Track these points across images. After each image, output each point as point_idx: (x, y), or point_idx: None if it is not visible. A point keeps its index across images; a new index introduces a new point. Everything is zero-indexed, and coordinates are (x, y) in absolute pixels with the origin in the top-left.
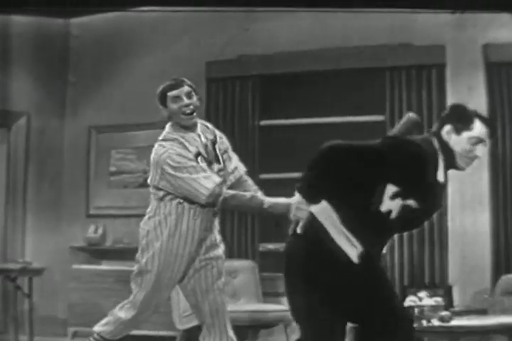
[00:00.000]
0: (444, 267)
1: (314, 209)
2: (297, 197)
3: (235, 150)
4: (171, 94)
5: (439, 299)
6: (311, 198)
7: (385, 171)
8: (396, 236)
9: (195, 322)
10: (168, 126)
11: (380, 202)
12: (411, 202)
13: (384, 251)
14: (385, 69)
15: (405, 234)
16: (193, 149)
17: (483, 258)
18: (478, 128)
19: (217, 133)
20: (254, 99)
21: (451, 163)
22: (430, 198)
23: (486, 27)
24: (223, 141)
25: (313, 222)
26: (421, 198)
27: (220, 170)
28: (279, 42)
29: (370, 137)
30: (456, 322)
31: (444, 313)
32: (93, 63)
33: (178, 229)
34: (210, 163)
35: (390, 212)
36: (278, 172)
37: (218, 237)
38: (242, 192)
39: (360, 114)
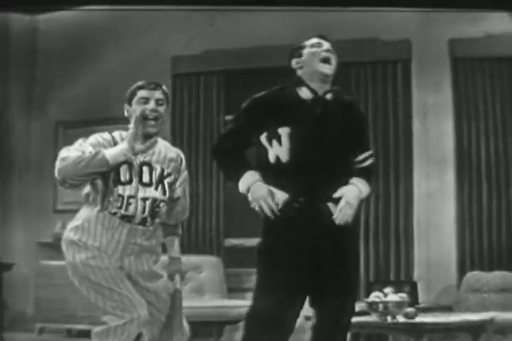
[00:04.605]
0: (410, 263)
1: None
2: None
3: (199, 145)
4: (140, 93)
5: (404, 295)
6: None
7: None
8: (362, 232)
9: None
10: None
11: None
12: (282, 132)
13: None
14: (350, 65)
15: (371, 229)
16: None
17: (448, 254)
18: (312, 40)
19: (182, 165)
20: (220, 94)
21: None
22: (296, 119)
23: (452, 22)
24: (182, 177)
25: None
26: (289, 122)
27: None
28: (245, 37)
29: None
30: (420, 318)
31: (409, 310)
32: (60, 59)
33: None
34: (130, 180)
35: (277, 158)
36: None
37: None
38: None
39: None
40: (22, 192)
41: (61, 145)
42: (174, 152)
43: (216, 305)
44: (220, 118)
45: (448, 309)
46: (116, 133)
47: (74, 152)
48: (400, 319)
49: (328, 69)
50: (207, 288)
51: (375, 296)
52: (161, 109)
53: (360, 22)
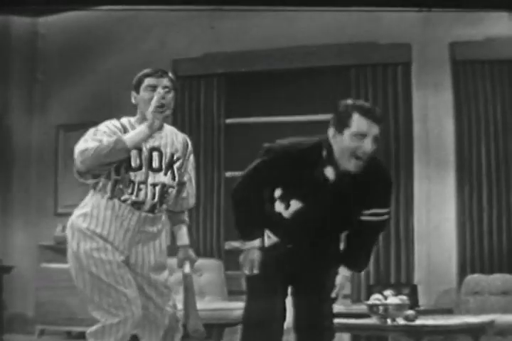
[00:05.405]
0: (410, 266)
1: None
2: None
3: (200, 148)
4: (147, 80)
5: (404, 298)
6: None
7: (271, 176)
8: None
9: None
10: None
11: (273, 203)
12: (293, 203)
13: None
14: (350, 68)
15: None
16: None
17: (449, 257)
18: (357, 122)
19: (188, 150)
20: (220, 97)
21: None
22: (312, 196)
23: (453, 25)
24: (188, 162)
25: None
26: (303, 197)
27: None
28: (245, 40)
29: None
30: (420, 321)
31: (409, 312)
32: (61, 61)
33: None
34: (140, 166)
35: (280, 213)
36: (243, 170)
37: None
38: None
39: (325, 112)
40: (23, 195)
41: (62, 149)
42: (181, 136)
43: (216, 308)
44: (220, 122)
45: (448, 312)
46: (124, 120)
47: (92, 143)
48: (400, 321)
49: (355, 167)
50: (207, 291)
51: (375, 299)
52: (168, 96)
53: (360, 25)
